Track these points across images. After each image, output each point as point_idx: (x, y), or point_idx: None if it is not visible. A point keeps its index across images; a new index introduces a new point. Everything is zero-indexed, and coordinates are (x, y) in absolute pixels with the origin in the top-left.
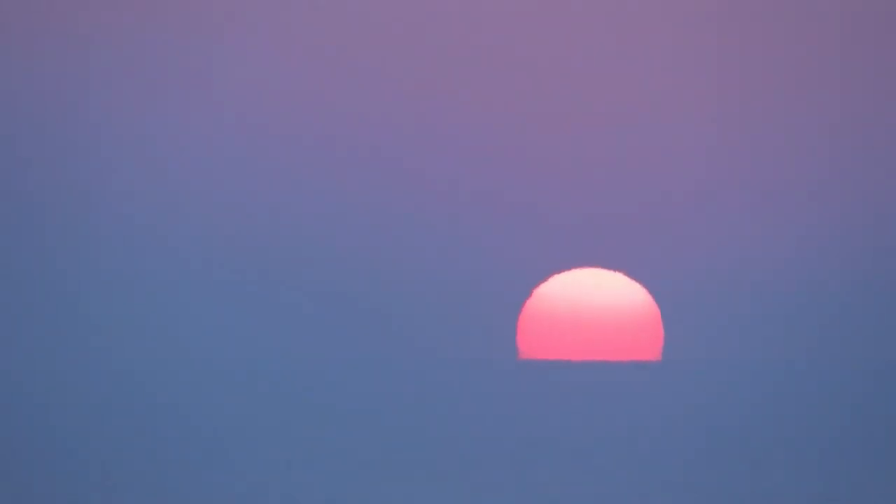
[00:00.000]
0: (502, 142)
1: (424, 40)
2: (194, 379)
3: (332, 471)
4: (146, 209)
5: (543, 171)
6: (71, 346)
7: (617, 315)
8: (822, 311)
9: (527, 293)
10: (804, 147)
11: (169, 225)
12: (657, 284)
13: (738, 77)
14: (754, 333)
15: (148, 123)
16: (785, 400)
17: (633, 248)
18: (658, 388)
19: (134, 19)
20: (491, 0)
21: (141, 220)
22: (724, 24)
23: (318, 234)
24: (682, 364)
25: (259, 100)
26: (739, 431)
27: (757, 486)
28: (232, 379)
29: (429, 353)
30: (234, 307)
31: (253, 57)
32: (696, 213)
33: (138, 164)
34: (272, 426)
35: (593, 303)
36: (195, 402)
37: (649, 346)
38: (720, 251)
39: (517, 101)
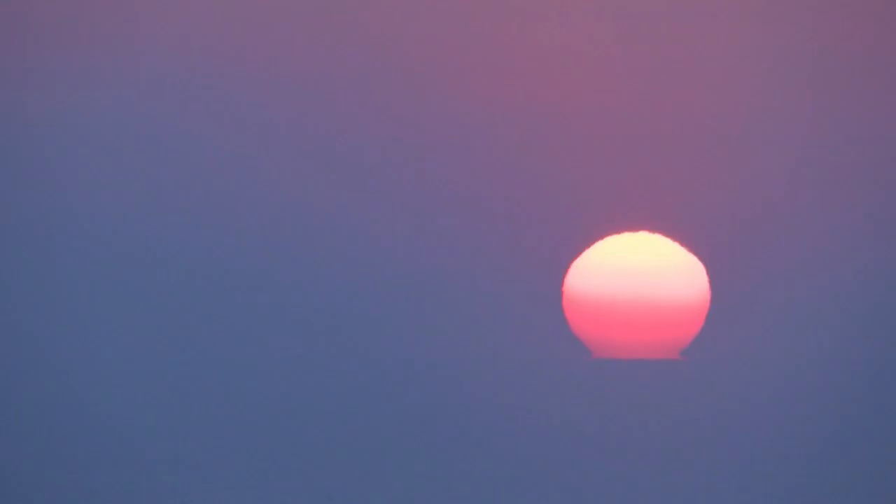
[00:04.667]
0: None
1: (468, 9)
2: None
3: (377, 473)
4: (135, 207)
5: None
6: (67, 347)
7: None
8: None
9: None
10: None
11: (165, 223)
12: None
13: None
14: (822, 333)
15: (140, 121)
16: (850, 402)
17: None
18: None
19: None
20: None
21: (131, 218)
22: None
23: (328, 232)
24: (730, 359)
25: (261, 100)
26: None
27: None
28: (255, 379)
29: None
30: (253, 306)
31: (245, 55)
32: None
33: (131, 162)
34: (324, 428)
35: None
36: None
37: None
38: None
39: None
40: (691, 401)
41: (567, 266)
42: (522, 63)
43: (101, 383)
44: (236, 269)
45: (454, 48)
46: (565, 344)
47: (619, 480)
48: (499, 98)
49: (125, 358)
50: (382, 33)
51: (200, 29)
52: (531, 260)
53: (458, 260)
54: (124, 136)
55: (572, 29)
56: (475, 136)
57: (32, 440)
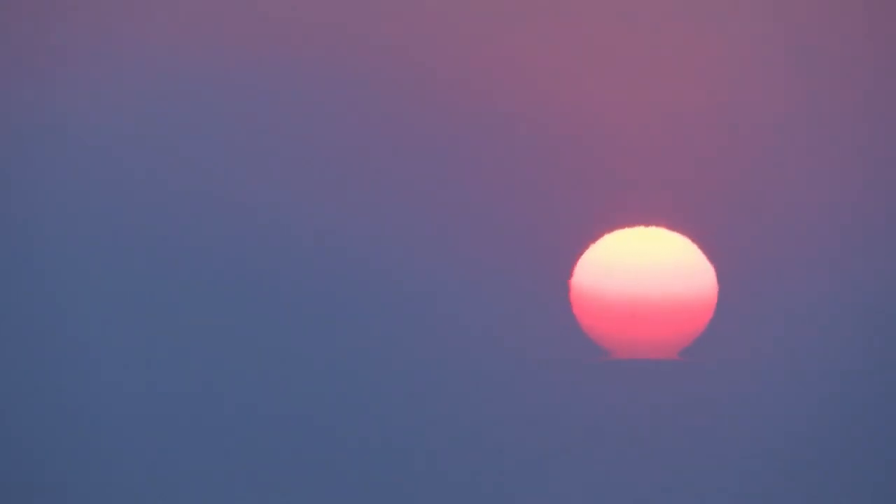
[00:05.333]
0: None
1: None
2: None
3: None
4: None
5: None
6: (66, 346)
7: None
8: None
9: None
10: None
11: (165, 223)
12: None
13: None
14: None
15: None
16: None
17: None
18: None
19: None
20: None
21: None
22: None
23: (333, 230)
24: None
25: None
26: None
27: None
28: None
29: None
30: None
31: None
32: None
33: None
34: (330, 429)
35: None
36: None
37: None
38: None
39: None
40: (705, 400)
41: (574, 261)
42: (526, 55)
43: (101, 384)
44: (239, 270)
45: (458, 44)
46: (574, 342)
47: (635, 480)
48: (504, 90)
49: (124, 359)
50: (382, 31)
51: (201, 25)
52: (537, 255)
53: (462, 258)
54: (118, 134)
55: (575, 17)
56: (478, 127)
57: (27, 440)
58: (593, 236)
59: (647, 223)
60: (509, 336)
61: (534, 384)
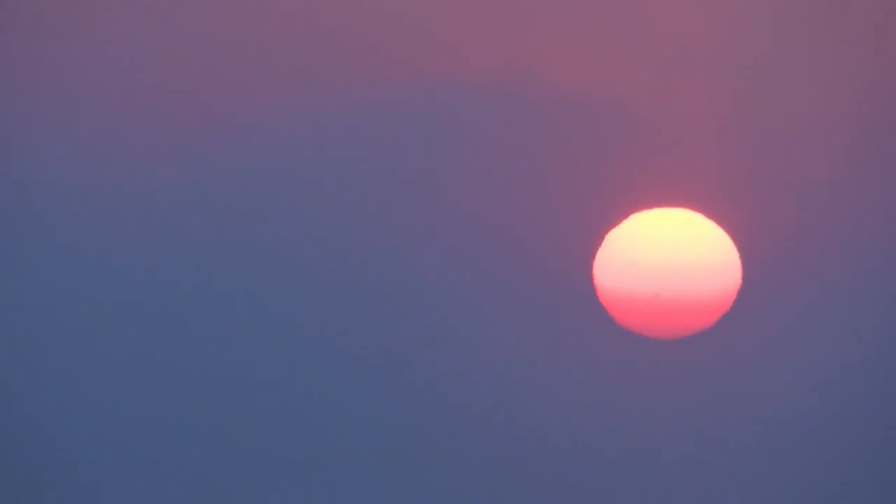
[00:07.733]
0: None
1: None
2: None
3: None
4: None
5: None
6: (71, 345)
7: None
8: None
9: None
10: None
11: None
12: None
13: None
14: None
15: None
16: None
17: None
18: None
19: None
20: None
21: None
22: None
23: (350, 232)
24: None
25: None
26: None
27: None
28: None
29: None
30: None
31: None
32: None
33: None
34: (353, 431)
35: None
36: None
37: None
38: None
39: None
40: (726, 396)
41: (596, 248)
42: (533, 49)
43: (100, 386)
44: (253, 273)
45: (468, 40)
46: (602, 333)
47: (657, 477)
48: (517, 85)
49: (122, 361)
50: (397, 28)
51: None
52: (558, 245)
53: (479, 256)
54: (118, 138)
55: (594, 2)
56: (488, 116)
57: (26, 442)
58: (615, 221)
59: (675, 205)
60: (532, 330)
61: (563, 378)
